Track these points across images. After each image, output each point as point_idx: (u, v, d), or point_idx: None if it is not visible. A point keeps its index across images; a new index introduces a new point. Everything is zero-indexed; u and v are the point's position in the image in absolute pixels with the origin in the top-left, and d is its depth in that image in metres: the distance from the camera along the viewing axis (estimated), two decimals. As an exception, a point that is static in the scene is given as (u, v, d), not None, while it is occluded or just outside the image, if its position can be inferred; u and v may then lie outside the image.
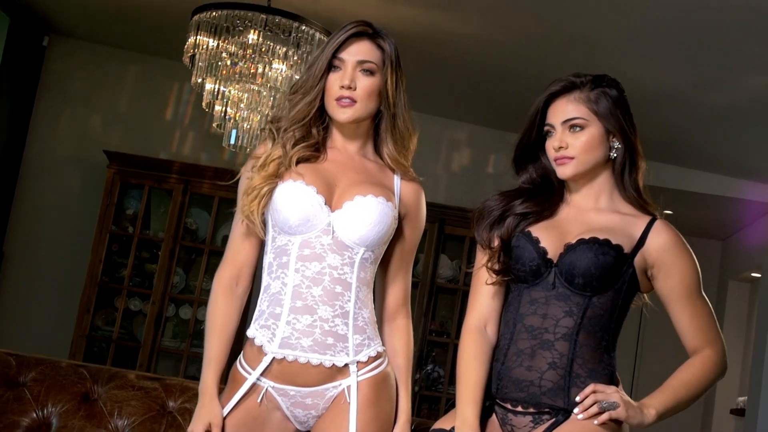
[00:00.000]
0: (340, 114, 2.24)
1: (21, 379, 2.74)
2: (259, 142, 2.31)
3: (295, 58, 4.39)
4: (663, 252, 2.11)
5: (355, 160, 2.30)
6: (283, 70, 4.43)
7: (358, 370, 2.17)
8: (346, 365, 2.17)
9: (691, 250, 2.14)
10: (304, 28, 4.34)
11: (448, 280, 5.87)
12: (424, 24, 4.73)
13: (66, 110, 6.03)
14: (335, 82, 2.23)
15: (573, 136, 2.13)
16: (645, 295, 2.20)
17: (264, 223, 2.24)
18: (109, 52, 6.04)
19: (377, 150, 2.33)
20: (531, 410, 2.07)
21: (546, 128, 2.18)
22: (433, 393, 5.76)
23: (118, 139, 5.98)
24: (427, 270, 5.78)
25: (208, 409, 2.17)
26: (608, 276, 2.07)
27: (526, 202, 2.17)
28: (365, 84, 2.23)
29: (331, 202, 2.21)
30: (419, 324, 5.66)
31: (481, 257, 2.18)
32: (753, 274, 6.98)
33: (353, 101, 2.23)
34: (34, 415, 2.71)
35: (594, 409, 2.01)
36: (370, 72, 2.24)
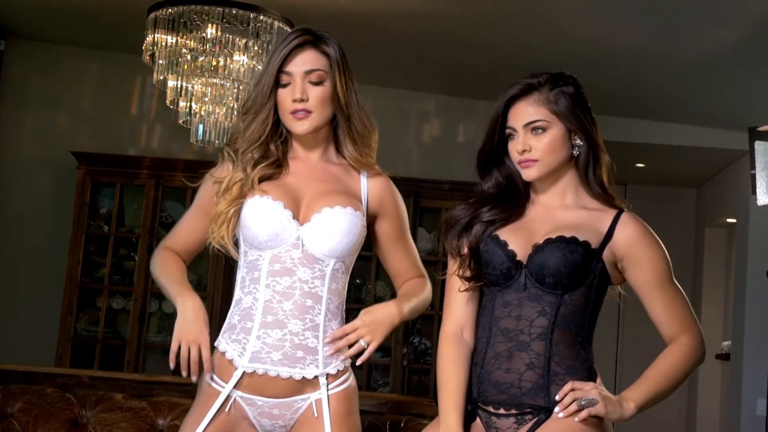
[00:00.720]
0: (298, 127, 2.24)
1: (8, 410, 2.73)
2: (219, 164, 2.30)
3: (256, 48, 4.36)
4: (631, 244, 2.12)
5: (318, 168, 2.30)
6: (245, 61, 4.40)
7: (328, 383, 2.19)
8: (316, 377, 2.18)
9: (659, 240, 2.16)
10: (262, 17, 4.31)
11: (428, 253, 5.88)
12: (383, 1, 4.69)
13: (29, 113, 5.97)
14: (287, 97, 2.23)
15: (535, 138, 2.13)
16: (619, 286, 2.22)
17: (236, 243, 2.25)
18: (68, 52, 5.97)
19: (339, 152, 2.33)
20: (513, 411, 2.09)
21: (508, 131, 2.18)
22: (421, 365, 5.81)
23: (85, 138, 5.93)
24: (406, 244, 5.77)
25: (194, 302, 2.17)
26: (578, 273, 2.09)
27: (493, 209, 2.17)
28: (317, 93, 2.23)
29: (298, 216, 2.22)
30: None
31: (452, 265, 2.19)
32: (728, 220, 7.04)
33: (308, 112, 2.23)
34: (24, 445, 2.71)
35: (573, 407, 2.03)
36: (319, 80, 2.23)
